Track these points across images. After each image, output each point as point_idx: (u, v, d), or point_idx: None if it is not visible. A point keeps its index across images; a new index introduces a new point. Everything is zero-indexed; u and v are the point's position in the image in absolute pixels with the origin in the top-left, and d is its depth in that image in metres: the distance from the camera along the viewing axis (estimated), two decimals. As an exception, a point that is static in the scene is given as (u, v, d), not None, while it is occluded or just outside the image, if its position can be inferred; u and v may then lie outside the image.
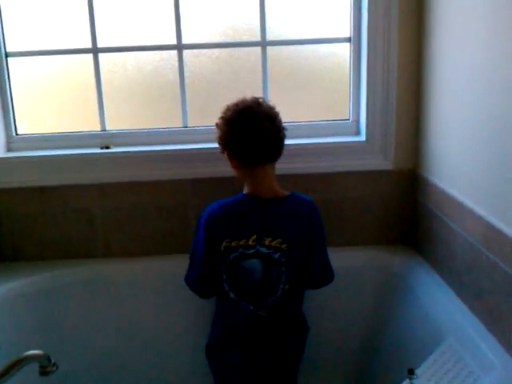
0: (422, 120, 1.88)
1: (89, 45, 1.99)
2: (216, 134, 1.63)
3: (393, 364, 1.67)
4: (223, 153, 1.64)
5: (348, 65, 2.01)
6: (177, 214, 2.00)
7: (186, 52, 2.01)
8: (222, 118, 1.61)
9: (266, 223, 1.57)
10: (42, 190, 1.96)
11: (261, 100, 1.62)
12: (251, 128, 1.54)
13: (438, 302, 1.62)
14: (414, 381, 1.20)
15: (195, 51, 2.03)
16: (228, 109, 1.60)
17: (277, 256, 1.56)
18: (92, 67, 2.01)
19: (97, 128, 2.06)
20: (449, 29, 1.64)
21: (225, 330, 1.66)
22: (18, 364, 1.19)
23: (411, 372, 1.21)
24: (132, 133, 2.06)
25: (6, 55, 2.00)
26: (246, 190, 1.63)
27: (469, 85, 1.51)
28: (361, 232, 2.03)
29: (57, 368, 1.23)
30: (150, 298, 1.97)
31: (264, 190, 1.60)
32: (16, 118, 2.05)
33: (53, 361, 1.23)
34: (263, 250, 1.56)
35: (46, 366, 1.22)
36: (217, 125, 1.63)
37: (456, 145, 1.62)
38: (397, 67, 1.88)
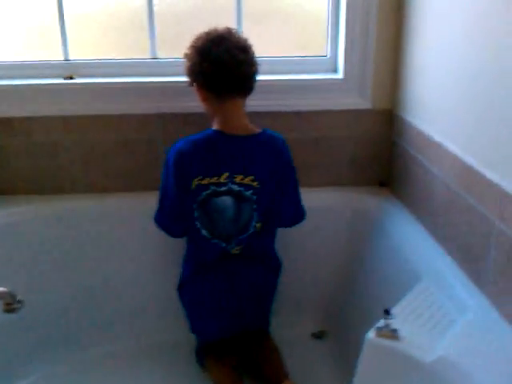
0: (402, 59, 1.83)
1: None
2: (185, 64, 1.56)
3: (367, 304, 1.68)
4: (192, 85, 1.57)
5: (327, -1, 1.93)
6: (144, 150, 1.92)
7: (155, -23, 1.88)
8: (191, 47, 1.54)
9: (237, 160, 1.53)
10: (3, 122, 1.85)
11: (233, 30, 1.56)
12: (222, 56, 1.47)
13: (413, 243, 1.62)
14: (389, 321, 1.19)
15: (165, -24, 1.91)
16: (198, 38, 1.53)
17: (249, 193, 1.53)
18: (54, -11, 1.87)
19: (60, 57, 1.93)
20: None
21: (197, 267, 1.64)
22: (-20, 301, 1.14)
23: (387, 312, 1.20)
24: (97, 63, 1.95)
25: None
26: (215, 126, 1.57)
27: (451, 25, 1.46)
28: (336, 172, 2.00)
29: (22, 306, 1.18)
30: (117, 237, 1.91)
31: (234, 126, 1.55)
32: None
33: (18, 297, 1.17)
34: (235, 187, 1.52)
35: (10, 304, 1.17)
36: (186, 55, 1.55)
37: (435, 85, 1.59)
38: (378, 3, 1.81)
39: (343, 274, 1.91)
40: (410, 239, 1.64)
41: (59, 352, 1.81)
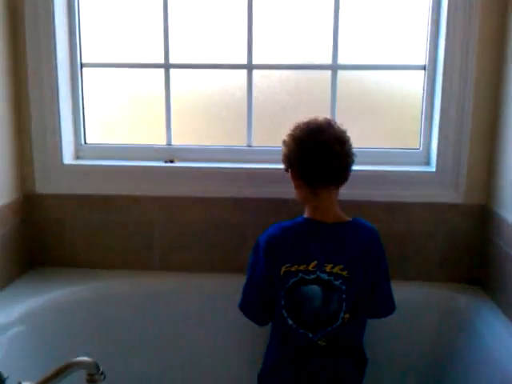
0: (497, 154, 1.79)
1: (161, 60, 2.02)
2: (282, 151, 1.59)
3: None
4: (287, 171, 1.60)
5: (420, 93, 1.95)
6: (235, 233, 1.97)
7: (255, 72, 2.00)
8: (290, 135, 1.56)
9: (327, 249, 1.51)
10: (105, 199, 1.99)
11: (333, 122, 1.57)
12: (319, 148, 1.49)
13: (506, 347, 1.50)
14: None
15: (265, 71, 2.02)
16: (297, 126, 1.56)
17: (338, 283, 1.50)
18: (163, 82, 2.03)
19: (163, 142, 2.08)
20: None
21: (280, 357, 1.59)
22: (66, 369, 1.18)
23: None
24: (196, 148, 2.06)
25: (82, 65, 2.05)
26: (306, 214, 1.58)
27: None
28: (425, 267, 1.94)
29: (104, 377, 1.21)
30: (200, 317, 1.93)
31: (326, 214, 1.55)
32: (86, 127, 2.09)
33: (101, 369, 1.21)
34: (324, 276, 1.50)
35: (93, 374, 1.20)
36: (284, 142, 1.58)
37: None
38: (473, 98, 1.81)
39: (427, 375, 1.80)
40: (504, 342, 1.52)
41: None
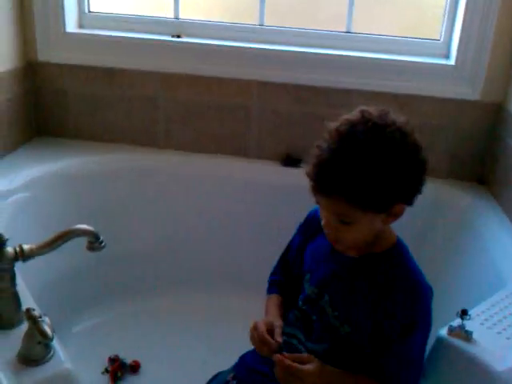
0: (522, 50, 1.70)
1: None
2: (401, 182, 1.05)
3: (445, 303, 1.58)
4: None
5: (446, -21, 1.82)
6: (239, 115, 1.92)
7: None
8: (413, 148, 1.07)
9: None
10: (108, 71, 1.92)
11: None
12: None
13: (502, 246, 1.50)
14: (465, 321, 1.12)
15: None
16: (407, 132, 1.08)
17: None
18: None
19: (170, 15, 1.97)
20: None
21: None
22: (67, 235, 1.19)
23: (464, 313, 1.13)
24: (205, 24, 1.97)
25: None
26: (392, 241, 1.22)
27: None
28: (432, 163, 1.88)
29: (104, 247, 1.22)
30: (202, 197, 1.95)
31: None
32: (90, -6, 1.98)
33: (101, 238, 1.22)
34: None
35: (93, 243, 1.21)
36: (400, 170, 1.03)
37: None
38: (503, -11, 1.69)
39: (424, 269, 1.82)
40: (500, 242, 1.52)
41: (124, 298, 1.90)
